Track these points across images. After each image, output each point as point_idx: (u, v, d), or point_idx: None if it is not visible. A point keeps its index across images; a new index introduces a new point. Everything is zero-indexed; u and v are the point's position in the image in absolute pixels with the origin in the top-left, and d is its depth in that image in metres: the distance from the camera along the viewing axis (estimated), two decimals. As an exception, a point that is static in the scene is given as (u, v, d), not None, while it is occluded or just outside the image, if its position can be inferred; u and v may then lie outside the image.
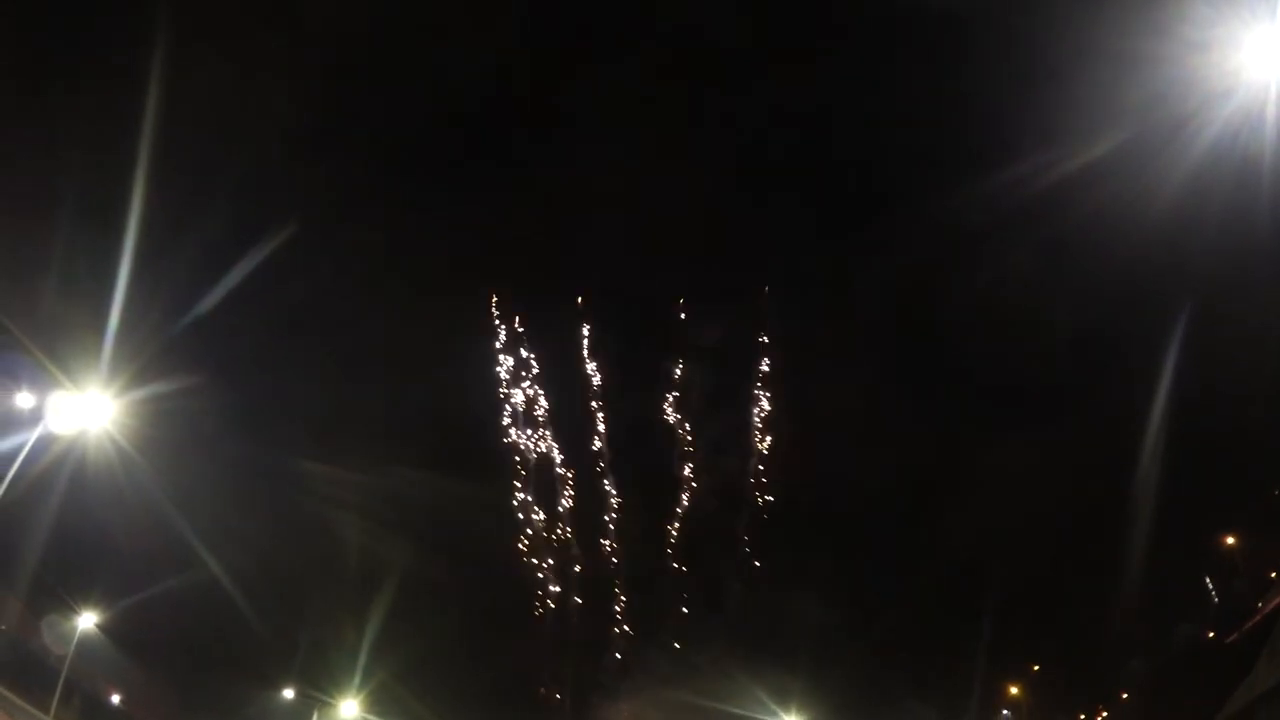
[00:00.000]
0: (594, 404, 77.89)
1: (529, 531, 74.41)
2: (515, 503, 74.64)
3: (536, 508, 74.05)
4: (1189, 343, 41.18)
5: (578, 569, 75.14)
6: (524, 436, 75.25)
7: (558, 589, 74.37)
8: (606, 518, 76.77)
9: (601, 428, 77.78)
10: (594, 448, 77.17)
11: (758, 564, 75.54)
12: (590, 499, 76.81)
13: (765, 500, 76.13)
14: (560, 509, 75.60)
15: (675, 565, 75.49)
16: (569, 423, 77.67)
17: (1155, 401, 44.01)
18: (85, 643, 42.01)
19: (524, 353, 77.18)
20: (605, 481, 76.78)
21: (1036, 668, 60.04)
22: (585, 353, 77.12)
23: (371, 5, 45.41)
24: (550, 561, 74.46)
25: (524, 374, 77.92)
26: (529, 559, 73.81)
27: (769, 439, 77.94)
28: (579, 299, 77.87)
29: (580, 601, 74.51)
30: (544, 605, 74.36)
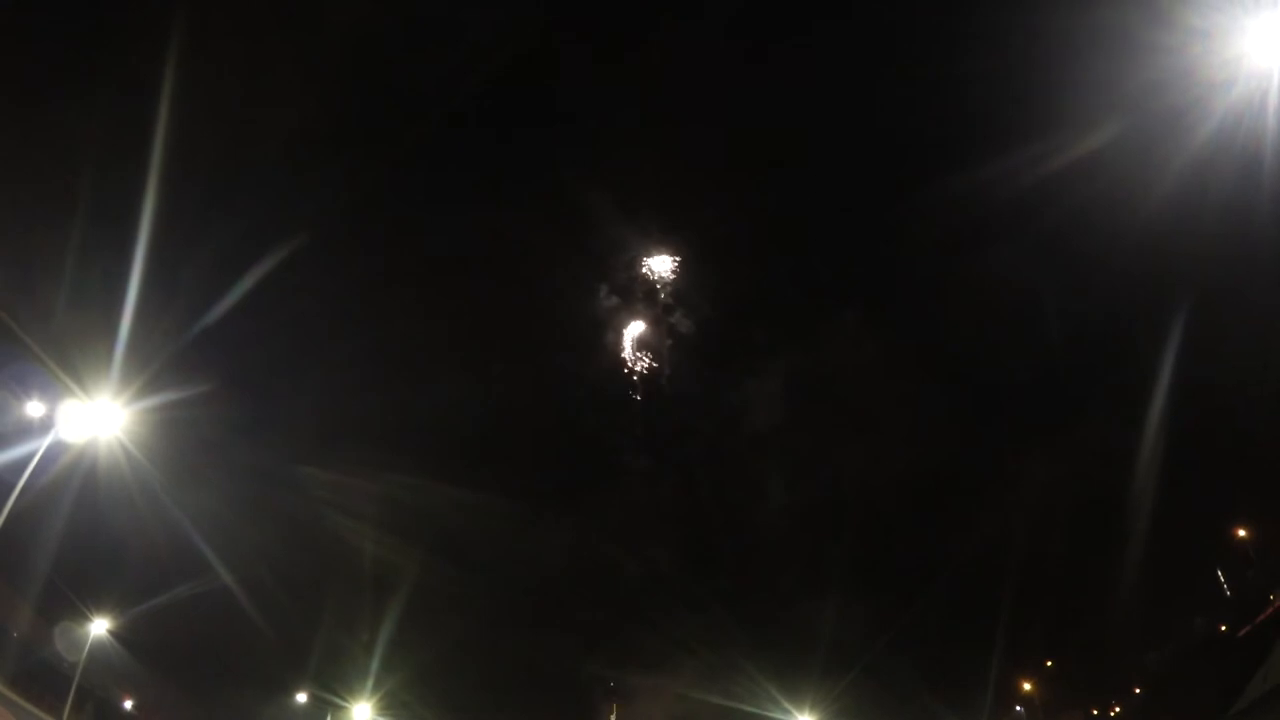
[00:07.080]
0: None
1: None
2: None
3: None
4: (1195, 334, 40.85)
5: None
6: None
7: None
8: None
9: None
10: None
11: (775, 564, 75.40)
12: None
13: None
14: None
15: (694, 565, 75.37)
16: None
17: (1165, 394, 43.71)
18: (98, 649, 42.15)
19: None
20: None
21: (1050, 663, 59.81)
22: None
23: (387, 8, 45.23)
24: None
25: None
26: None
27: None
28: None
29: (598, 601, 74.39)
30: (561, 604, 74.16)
